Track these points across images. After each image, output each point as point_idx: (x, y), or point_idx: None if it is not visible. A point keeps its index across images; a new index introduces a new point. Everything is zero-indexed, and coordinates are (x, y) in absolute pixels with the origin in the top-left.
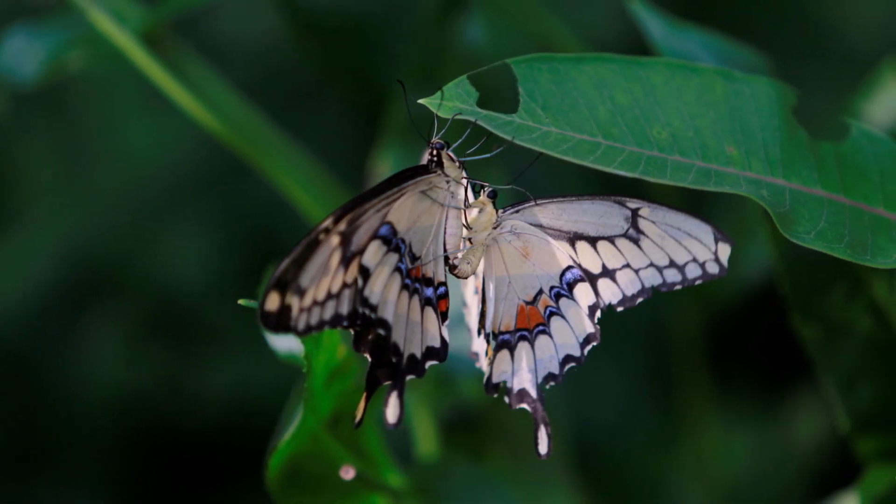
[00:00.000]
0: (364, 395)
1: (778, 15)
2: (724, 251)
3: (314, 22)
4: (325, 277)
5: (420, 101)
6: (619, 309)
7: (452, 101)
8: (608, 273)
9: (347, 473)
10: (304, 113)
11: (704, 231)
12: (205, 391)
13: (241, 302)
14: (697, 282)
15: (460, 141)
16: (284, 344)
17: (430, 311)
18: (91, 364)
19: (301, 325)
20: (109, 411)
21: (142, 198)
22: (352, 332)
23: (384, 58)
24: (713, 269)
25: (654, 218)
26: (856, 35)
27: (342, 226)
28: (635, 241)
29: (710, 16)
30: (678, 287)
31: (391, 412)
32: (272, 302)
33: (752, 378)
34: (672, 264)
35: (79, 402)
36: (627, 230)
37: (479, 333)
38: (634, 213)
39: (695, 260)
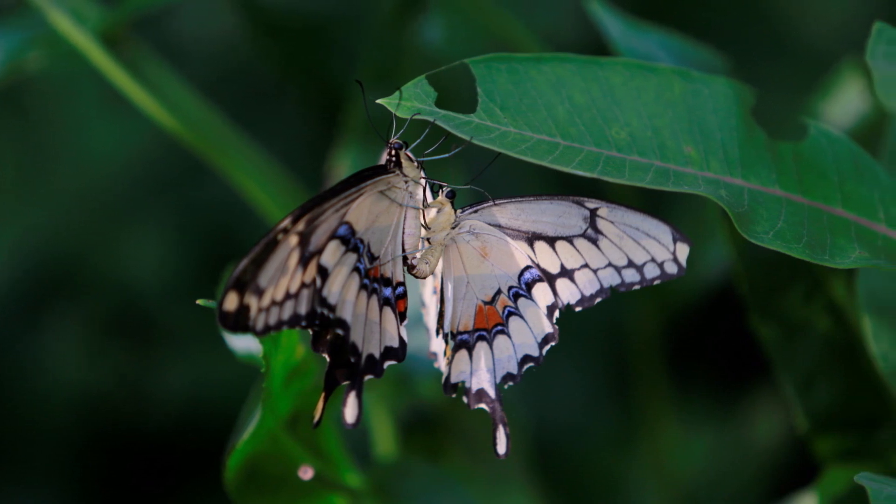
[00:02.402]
0: (322, 395)
1: (737, 15)
2: (683, 251)
3: (273, 22)
4: (283, 277)
5: (378, 101)
6: (578, 309)
7: (411, 101)
8: (567, 273)
9: (306, 473)
10: (262, 113)
11: (663, 231)
12: (163, 391)
13: (199, 302)
14: (656, 282)
15: (419, 141)
16: (243, 344)
17: (388, 311)
18: (50, 364)
19: (259, 325)
20: (68, 411)
21: (101, 197)
22: (310, 332)
23: (342, 58)
24: (672, 269)
25: (612, 218)
26: (814, 35)
27: (301, 226)
28: (594, 241)
29: (668, 15)
30: (637, 287)
31: (349, 412)
32: (230, 302)
33: (711, 378)
34: (630, 264)
35: (37, 401)
36: (586, 230)
37: (437, 333)
38: (593, 213)
39: (653, 260)
